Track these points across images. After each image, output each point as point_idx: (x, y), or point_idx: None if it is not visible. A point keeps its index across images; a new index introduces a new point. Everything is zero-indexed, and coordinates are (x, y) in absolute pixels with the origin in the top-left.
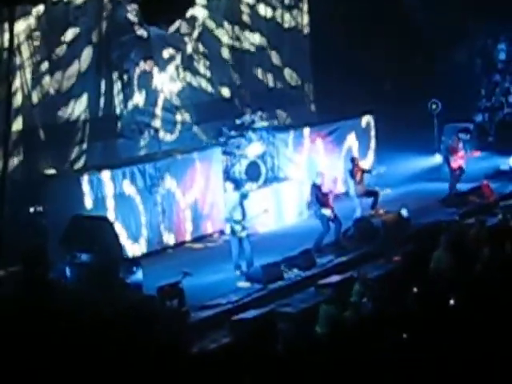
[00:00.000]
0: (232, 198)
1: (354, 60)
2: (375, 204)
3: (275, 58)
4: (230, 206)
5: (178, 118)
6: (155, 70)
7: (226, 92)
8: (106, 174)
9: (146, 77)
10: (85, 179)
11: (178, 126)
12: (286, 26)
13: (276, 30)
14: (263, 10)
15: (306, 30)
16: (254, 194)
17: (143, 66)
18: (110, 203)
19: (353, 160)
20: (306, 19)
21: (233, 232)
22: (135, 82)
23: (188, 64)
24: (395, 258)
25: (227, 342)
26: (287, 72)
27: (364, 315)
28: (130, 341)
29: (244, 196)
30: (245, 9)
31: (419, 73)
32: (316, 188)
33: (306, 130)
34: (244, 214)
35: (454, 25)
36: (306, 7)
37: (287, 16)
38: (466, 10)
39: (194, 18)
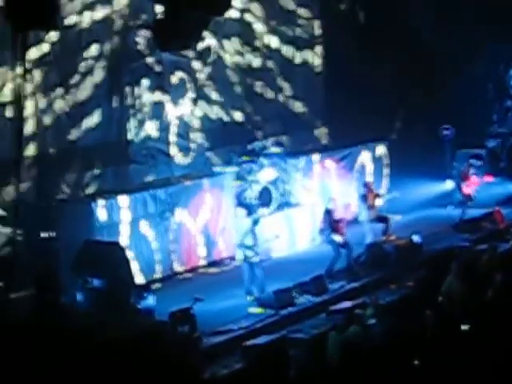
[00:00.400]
0: (243, 224)
1: (366, 86)
2: (386, 230)
3: (286, 89)
4: (242, 232)
5: (190, 143)
6: (167, 95)
7: (238, 117)
8: (118, 200)
9: (158, 102)
10: (97, 204)
11: (191, 152)
12: (297, 61)
13: (288, 63)
14: (276, 43)
15: (319, 68)
16: (265, 219)
17: (155, 92)
18: (122, 229)
19: (366, 185)
20: (319, 60)
21: (244, 258)
22: (147, 108)
23: (200, 90)
24: (408, 284)
25: (239, 367)
26: (297, 102)
27: (375, 338)
28: (141, 366)
29: (255, 222)
30: (258, 40)
31: (432, 98)
32: (328, 213)
33: (318, 156)
34: (255, 240)
35: (466, 49)
36: (319, 49)
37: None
38: (478, 34)
39: (207, 47)
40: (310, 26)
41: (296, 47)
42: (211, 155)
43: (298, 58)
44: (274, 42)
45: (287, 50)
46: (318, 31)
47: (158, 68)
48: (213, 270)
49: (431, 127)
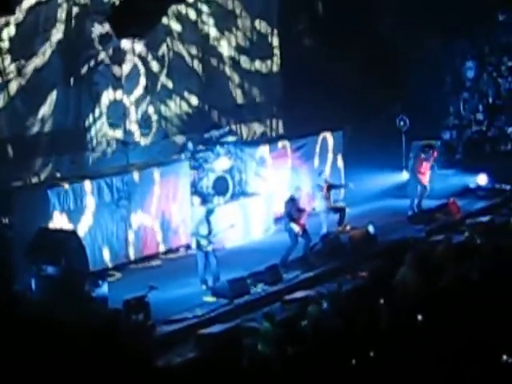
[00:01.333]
0: (198, 213)
1: (322, 75)
2: (342, 220)
3: (244, 78)
4: (197, 221)
5: (147, 131)
6: (125, 83)
7: (194, 106)
8: (73, 187)
9: (115, 89)
10: (52, 192)
11: (148, 140)
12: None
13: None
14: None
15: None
16: (221, 208)
17: (113, 78)
18: (77, 216)
19: (321, 173)
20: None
21: (199, 246)
22: (103, 95)
23: (157, 77)
24: (362, 274)
25: (193, 356)
26: (255, 88)
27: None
28: (94, 354)
29: (210, 211)
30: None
31: (388, 89)
32: (292, 202)
33: (274, 145)
34: (210, 229)
35: (423, 42)
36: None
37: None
38: (435, 27)
39: (164, 32)
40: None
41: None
42: (167, 143)
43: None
44: (226, 48)
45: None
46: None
47: (114, 55)
48: (168, 258)
49: (388, 118)
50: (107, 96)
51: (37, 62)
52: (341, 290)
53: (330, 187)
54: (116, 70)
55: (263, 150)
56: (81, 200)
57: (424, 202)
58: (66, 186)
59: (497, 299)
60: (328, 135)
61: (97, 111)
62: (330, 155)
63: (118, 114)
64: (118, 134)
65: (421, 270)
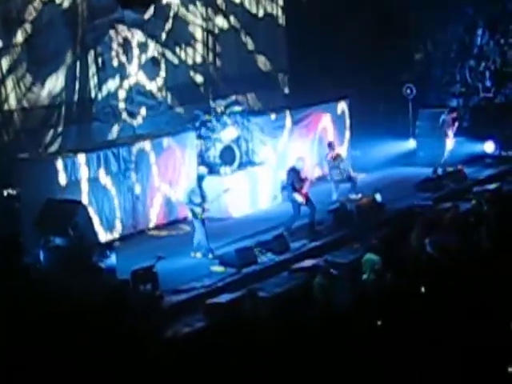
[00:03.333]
0: (192, 180)
1: (329, 45)
2: (354, 188)
3: (249, 44)
4: (188, 189)
5: (153, 101)
6: (130, 53)
7: (199, 76)
8: (80, 158)
9: (121, 60)
10: (59, 163)
11: (153, 110)
12: (261, 14)
13: (250, 17)
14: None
15: (281, 20)
16: (228, 177)
17: (118, 49)
18: (85, 187)
19: (330, 145)
20: (279, 10)
21: (194, 215)
22: (110, 66)
23: (162, 49)
24: (371, 242)
25: (201, 325)
26: (261, 58)
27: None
28: (103, 325)
29: (201, 178)
30: None
31: (395, 57)
32: (294, 172)
33: (281, 115)
34: (203, 196)
35: (430, 9)
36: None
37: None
38: None
39: (168, 4)
40: None
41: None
42: (174, 113)
43: (261, 10)
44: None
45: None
46: None
47: (120, 26)
48: (175, 228)
49: (395, 86)
50: (113, 67)
51: (44, 33)
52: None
53: (337, 156)
54: (123, 40)
55: (269, 119)
56: (88, 171)
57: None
58: (74, 156)
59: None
60: (335, 105)
61: (103, 81)
62: (337, 125)
63: (124, 84)
64: (125, 104)
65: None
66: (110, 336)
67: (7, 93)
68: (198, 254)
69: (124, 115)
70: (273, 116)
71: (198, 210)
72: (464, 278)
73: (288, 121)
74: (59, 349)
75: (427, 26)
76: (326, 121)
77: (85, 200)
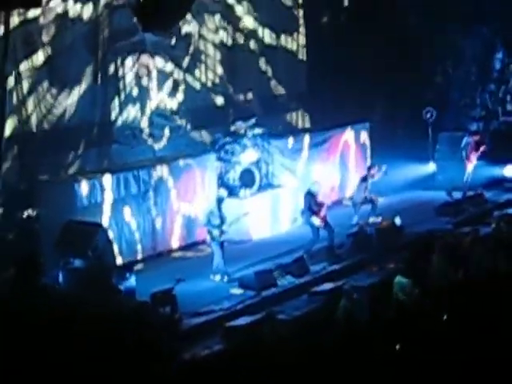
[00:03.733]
0: (211, 202)
1: (349, 69)
2: (374, 211)
3: (268, 68)
4: (207, 211)
5: (174, 124)
6: (151, 76)
7: (220, 99)
8: (100, 180)
9: (142, 83)
10: (79, 185)
11: (174, 133)
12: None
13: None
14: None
15: (302, 55)
16: (248, 200)
17: (139, 72)
18: (104, 209)
19: (369, 168)
20: (302, 41)
21: (212, 237)
22: (131, 89)
23: (183, 71)
24: (389, 266)
25: (219, 348)
26: (282, 80)
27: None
28: (122, 347)
29: (221, 200)
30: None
31: (415, 81)
32: (310, 196)
33: (301, 138)
34: (222, 219)
35: (450, 33)
36: (302, 30)
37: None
38: (463, 17)
39: (189, 34)
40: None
41: (276, 32)
42: (194, 136)
43: (281, 41)
44: (251, 23)
45: (268, 35)
46: (300, 13)
47: (142, 50)
48: (194, 251)
49: (414, 110)
50: (134, 88)
51: (65, 55)
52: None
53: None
54: (143, 63)
55: (290, 142)
56: (108, 193)
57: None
58: (93, 179)
59: None
60: (354, 127)
61: (124, 104)
62: (357, 147)
63: (144, 106)
64: (145, 126)
65: (450, 261)
66: (128, 355)
67: (28, 114)
68: (218, 277)
69: (144, 138)
70: (293, 139)
71: (216, 232)
72: (485, 302)
73: (308, 144)
74: (73, 365)
75: (446, 48)
76: (346, 143)
77: (105, 222)
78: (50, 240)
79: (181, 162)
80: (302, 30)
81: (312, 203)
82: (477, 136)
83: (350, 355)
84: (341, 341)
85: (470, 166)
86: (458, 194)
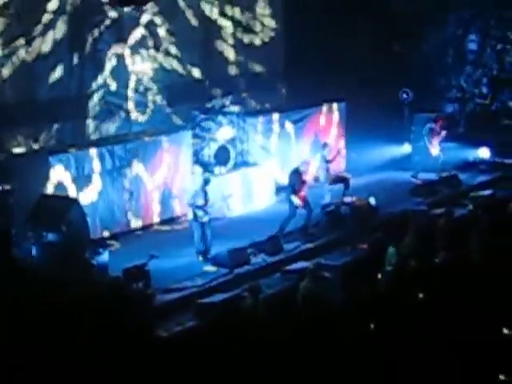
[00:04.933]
0: (196, 183)
1: (326, 48)
2: (346, 190)
3: (247, 47)
4: (193, 191)
5: (150, 99)
6: (127, 51)
7: (196, 74)
8: (76, 154)
9: (118, 58)
10: (54, 159)
11: (149, 108)
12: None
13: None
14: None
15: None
16: (222, 178)
17: (116, 47)
18: (79, 184)
19: (325, 145)
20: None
21: (195, 217)
22: (107, 63)
23: (160, 46)
24: (362, 246)
25: (192, 325)
26: (259, 58)
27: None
28: (94, 322)
29: (206, 181)
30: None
31: (391, 61)
32: (297, 174)
33: (276, 116)
34: (206, 199)
35: (426, 14)
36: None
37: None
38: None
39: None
40: None
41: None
42: (170, 112)
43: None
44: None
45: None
46: None
47: (119, 23)
48: (169, 227)
49: (390, 90)
50: (111, 64)
51: (41, 30)
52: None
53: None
54: (120, 37)
55: (265, 119)
56: (82, 168)
57: (426, 174)
58: (68, 153)
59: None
60: (330, 106)
61: (100, 78)
62: (333, 126)
63: (122, 82)
64: (121, 101)
65: (423, 242)
66: (103, 333)
67: (4, 87)
68: (201, 257)
69: (120, 113)
70: (268, 117)
71: (199, 212)
72: (456, 285)
73: (283, 122)
74: (51, 345)
75: (424, 27)
76: (322, 122)
77: (79, 196)
78: (24, 214)
79: (156, 138)
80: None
81: (296, 182)
82: (440, 121)
83: (317, 334)
84: (305, 321)
85: (434, 150)
86: (429, 176)
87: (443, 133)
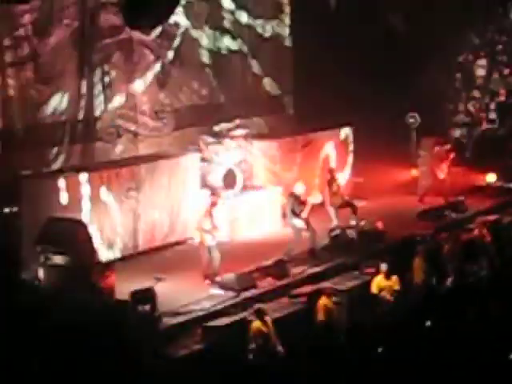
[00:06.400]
0: (203, 206)
1: (335, 72)
2: (353, 215)
3: (255, 68)
4: (200, 215)
5: (157, 123)
6: (136, 74)
7: (205, 98)
8: (83, 177)
9: (127, 80)
10: (62, 181)
11: (157, 132)
12: (267, 35)
13: (256, 38)
14: (244, 18)
15: (288, 42)
16: (229, 201)
17: (125, 69)
18: (86, 206)
19: (331, 171)
20: (287, 30)
21: (202, 241)
22: (115, 86)
23: (168, 70)
24: (369, 270)
25: (198, 348)
26: (267, 81)
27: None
28: (100, 345)
29: (213, 205)
30: (226, 15)
31: (399, 86)
32: (293, 197)
33: (284, 140)
34: (213, 223)
35: (435, 38)
36: (287, 19)
37: (268, 26)
38: (448, 23)
39: (176, 25)
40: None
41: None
42: (178, 135)
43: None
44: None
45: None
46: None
47: (128, 46)
48: (176, 250)
49: (398, 114)
50: (119, 86)
51: (51, 51)
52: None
53: (336, 182)
54: (128, 60)
55: (272, 144)
56: (90, 190)
57: (434, 199)
58: (76, 175)
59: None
60: (338, 131)
61: (108, 102)
62: (340, 151)
63: (129, 104)
64: (129, 124)
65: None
66: (104, 353)
67: (13, 110)
68: (208, 281)
69: (128, 136)
70: (275, 141)
71: (207, 236)
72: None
73: (291, 146)
74: (50, 362)
75: (432, 53)
76: (329, 147)
77: (86, 219)
78: (32, 236)
79: (164, 162)
80: (287, 31)
81: (295, 205)
82: (447, 145)
83: (329, 358)
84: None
85: (442, 175)
86: (436, 200)
87: (451, 156)
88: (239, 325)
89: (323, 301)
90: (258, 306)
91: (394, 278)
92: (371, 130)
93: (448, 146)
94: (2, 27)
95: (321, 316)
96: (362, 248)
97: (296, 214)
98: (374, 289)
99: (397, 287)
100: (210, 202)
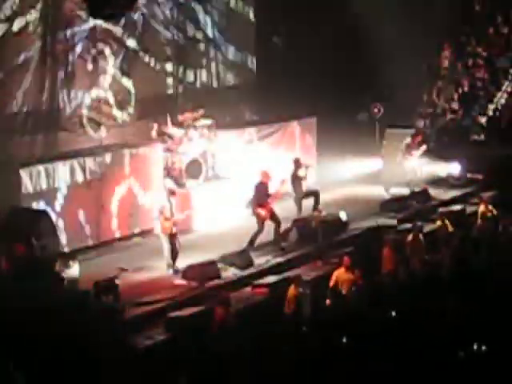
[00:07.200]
0: (164, 196)
1: (298, 61)
2: (316, 205)
3: (218, 58)
4: (160, 204)
5: (120, 112)
6: (100, 63)
7: (168, 88)
8: (46, 167)
9: (90, 71)
10: (25, 171)
11: (120, 121)
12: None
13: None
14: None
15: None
16: (194, 191)
17: (88, 59)
18: (50, 196)
19: (296, 161)
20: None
21: (162, 230)
22: (79, 76)
23: (132, 58)
24: (333, 260)
25: (162, 339)
26: (230, 71)
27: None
28: (63, 335)
29: (172, 193)
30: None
31: (363, 76)
32: (259, 187)
33: (248, 130)
34: (173, 212)
35: (400, 28)
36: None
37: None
38: (411, 16)
39: (138, 14)
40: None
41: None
42: (141, 125)
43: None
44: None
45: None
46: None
47: (91, 36)
48: (139, 240)
49: (362, 105)
50: (83, 76)
51: (14, 42)
52: None
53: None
54: (92, 50)
55: (237, 134)
56: (53, 180)
57: (396, 189)
58: (39, 165)
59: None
60: (302, 121)
61: (72, 91)
62: (303, 140)
63: (93, 94)
64: (93, 114)
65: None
66: (67, 343)
67: None
68: (171, 270)
69: (91, 125)
70: (240, 131)
71: (167, 224)
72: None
73: (255, 136)
74: (11, 353)
75: (396, 44)
76: (293, 136)
77: (50, 210)
78: None
79: (127, 152)
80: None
81: (260, 194)
82: (417, 137)
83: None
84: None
85: (409, 165)
86: (401, 191)
87: (422, 148)
88: (203, 315)
89: (292, 290)
90: (222, 296)
91: (357, 271)
92: (335, 120)
93: (418, 138)
94: None
95: (291, 305)
96: (325, 238)
97: (260, 204)
98: (332, 282)
99: (359, 281)
100: (169, 192)
